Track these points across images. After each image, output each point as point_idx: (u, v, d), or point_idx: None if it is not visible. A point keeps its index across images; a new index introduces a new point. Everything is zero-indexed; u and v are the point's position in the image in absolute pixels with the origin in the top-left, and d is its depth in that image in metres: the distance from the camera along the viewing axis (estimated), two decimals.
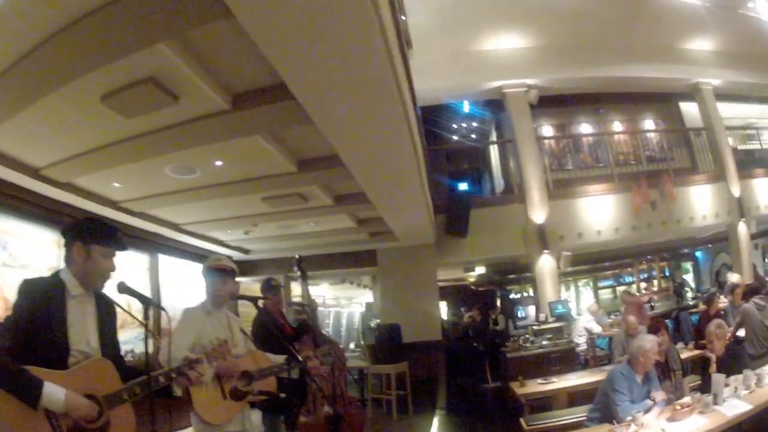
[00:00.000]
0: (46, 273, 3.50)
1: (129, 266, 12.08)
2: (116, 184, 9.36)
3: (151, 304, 3.50)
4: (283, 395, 5.74)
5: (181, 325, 4.88)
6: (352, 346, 19.98)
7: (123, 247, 3.65)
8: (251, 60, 5.43)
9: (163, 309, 3.83)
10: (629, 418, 5.32)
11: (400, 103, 6.11)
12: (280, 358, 5.47)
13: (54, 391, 3.00)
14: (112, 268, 3.55)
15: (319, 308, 22.10)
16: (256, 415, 5.39)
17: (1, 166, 7.93)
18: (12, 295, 8.77)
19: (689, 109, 17.98)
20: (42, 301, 3.24)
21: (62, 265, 3.53)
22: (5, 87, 5.73)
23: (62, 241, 3.56)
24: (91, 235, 3.47)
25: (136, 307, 3.60)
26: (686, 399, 5.66)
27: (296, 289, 12.59)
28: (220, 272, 5.17)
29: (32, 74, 5.49)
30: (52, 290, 3.33)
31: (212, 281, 5.14)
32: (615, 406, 5.70)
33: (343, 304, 26.38)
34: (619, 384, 5.83)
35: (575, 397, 8.08)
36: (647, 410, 5.66)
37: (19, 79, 5.57)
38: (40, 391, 2.94)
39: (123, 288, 3.49)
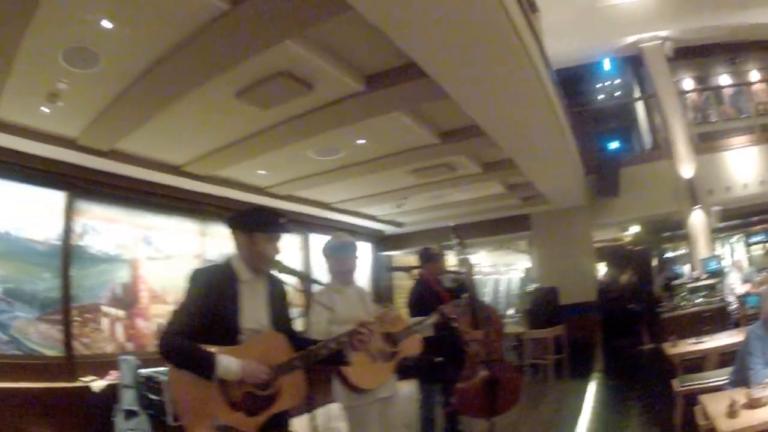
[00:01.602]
0: (188, 264, 3.62)
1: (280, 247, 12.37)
2: (261, 172, 9.70)
3: (309, 280, 3.55)
4: (439, 359, 5.77)
5: (313, 313, 4.92)
6: (511, 312, 19.85)
7: (285, 231, 3.71)
8: (380, 43, 5.45)
9: (321, 283, 3.88)
10: (766, 380, 5.03)
11: (532, 69, 6.06)
12: (418, 318, 5.49)
13: (228, 361, 3.17)
14: (276, 252, 3.63)
15: (476, 276, 22.11)
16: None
17: (143, 168, 8.40)
18: (158, 286, 9.24)
19: None
20: (213, 286, 3.39)
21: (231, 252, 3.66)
22: (141, 92, 6.08)
23: (228, 231, 3.67)
24: (253, 224, 3.58)
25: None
26: None
27: (451, 259, 12.64)
28: (345, 248, 5.13)
29: (166, 79, 5.82)
30: (223, 275, 3.49)
31: (337, 259, 5.08)
32: (748, 369, 5.40)
33: (501, 271, 26.23)
34: (752, 345, 5.49)
35: (726, 357, 7.76)
36: None
37: (154, 85, 5.92)
38: (214, 362, 3.13)
39: (281, 267, 3.58)
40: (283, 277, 3.65)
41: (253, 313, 3.49)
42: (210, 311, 3.30)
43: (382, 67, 6.43)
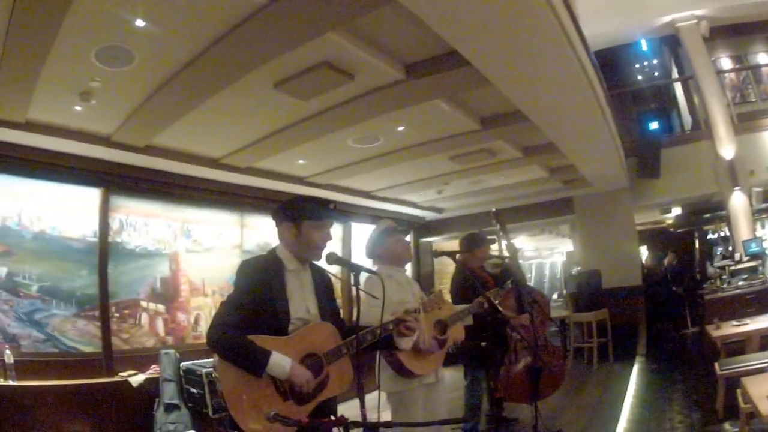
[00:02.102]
0: (227, 255, 3.66)
1: None
2: (301, 161, 9.75)
3: (360, 270, 3.60)
4: (484, 344, 5.80)
5: (366, 299, 4.95)
6: (555, 296, 19.80)
7: (334, 218, 3.75)
8: (420, 32, 5.48)
9: (375, 273, 3.90)
10: None
11: (571, 52, 6.02)
12: (464, 306, 5.54)
13: (279, 361, 3.20)
14: (327, 238, 3.67)
15: (520, 260, 22.07)
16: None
17: (180, 162, 8.52)
18: (197, 279, 9.34)
19: None
20: (262, 276, 3.42)
21: (275, 243, 3.74)
22: (171, 93, 6.21)
23: (273, 222, 3.74)
24: (301, 212, 3.60)
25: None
26: None
27: (495, 244, 12.65)
28: (396, 233, 5.22)
29: (202, 75, 5.88)
30: (270, 266, 3.52)
31: (389, 244, 5.15)
32: None
33: (544, 255, 26.18)
34: None
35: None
36: None
37: (190, 81, 6.00)
38: (267, 360, 3.17)
39: (333, 258, 3.57)
40: (334, 267, 3.66)
41: (302, 302, 3.54)
42: (259, 302, 3.35)
43: (422, 56, 6.42)
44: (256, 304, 3.33)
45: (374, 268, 5.12)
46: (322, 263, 3.67)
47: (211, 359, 7.44)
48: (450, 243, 17.01)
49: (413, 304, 4.76)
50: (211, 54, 5.45)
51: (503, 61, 5.90)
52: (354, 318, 4.52)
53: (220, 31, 5.16)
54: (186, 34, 5.21)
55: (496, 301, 5.84)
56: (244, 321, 3.26)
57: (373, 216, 13.43)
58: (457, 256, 6.35)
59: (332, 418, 3.35)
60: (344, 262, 3.58)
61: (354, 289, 3.45)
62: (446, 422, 3.17)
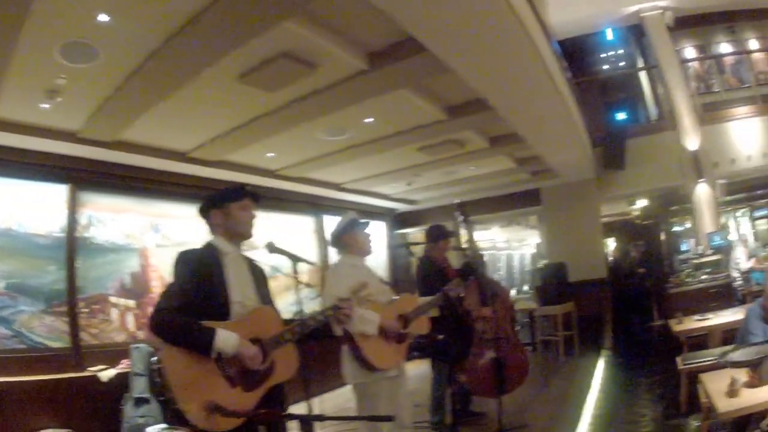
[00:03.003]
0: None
1: (293, 230, 12.65)
2: (270, 154, 9.78)
3: (300, 261, 3.66)
4: (441, 337, 5.86)
5: (333, 278, 5.02)
6: (525, 288, 19.92)
7: (254, 197, 3.81)
8: (378, 19, 5.44)
9: (312, 263, 3.96)
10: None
11: (528, 40, 6.07)
12: (428, 298, 5.60)
13: (227, 335, 3.24)
14: (252, 216, 3.75)
15: (491, 251, 22.10)
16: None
17: (149, 156, 8.54)
18: (168, 274, 9.40)
19: None
20: (200, 263, 3.48)
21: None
22: (141, 83, 6.17)
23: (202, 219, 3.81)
24: (222, 198, 3.71)
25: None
26: None
27: (465, 235, 12.69)
28: (363, 224, 5.25)
29: (167, 67, 5.89)
30: (207, 253, 3.59)
31: (356, 235, 5.19)
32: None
33: (514, 247, 26.25)
34: (752, 324, 5.51)
35: (730, 335, 7.78)
36: None
37: (155, 73, 6.01)
38: (212, 336, 3.19)
39: (272, 248, 3.66)
40: (274, 257, 3.74)
41: (240, 287, 3.59)
42: (200, 287, 3.39)
43: (384, 44, 6.46)
44: (196, 290, 3.36)
45: (338, 258, 5.24)
46: (263, 253, 3.79)
47: None
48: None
49: (384, 296, 4.95)
50: (173, 46, 5.45)
51: (460, 47, 5.93)
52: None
53: (181, 23, 5.17)
54: (149, 27, 5.21)
55: (461, 293, 5.94)
56: (186, 306, 3.28)
57: (345, 208, 13.40)
58: (422, 247, 6.40)
59: (283, 408, 3.54)
60: (284, 251, 3.65)
61: (295, 279, 3.52)
62: (372, 419, 3.22)
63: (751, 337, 5.43)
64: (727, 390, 4.55)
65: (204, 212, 3.78)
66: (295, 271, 3.57)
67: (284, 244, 3.73)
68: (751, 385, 4.61)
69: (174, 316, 3.23)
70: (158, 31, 5.31)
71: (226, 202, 3.69)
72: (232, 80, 6.55)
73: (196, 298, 3.34)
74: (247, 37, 5.45)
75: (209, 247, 3.65)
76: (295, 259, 3.61)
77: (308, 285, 3.95)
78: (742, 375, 4.70)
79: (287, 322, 3.69)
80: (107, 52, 5.53)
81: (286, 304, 3.74)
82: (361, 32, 6.15)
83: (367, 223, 5.26)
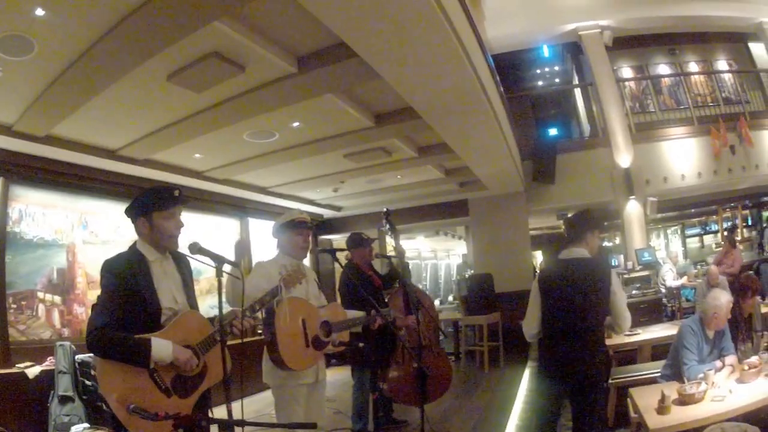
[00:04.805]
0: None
1: (219, 232, 12.51)
2: (197, 155, 9.68)
3: (224, 262, 3.53)
4: (361, 344, 5.76)
5: (254, 276, 4.91)
6: (450, 298, 19.99)
7: (181, 203, 3.69)
8: (309, 23, 5.36)
9: (236, 265, 3.87)
10: (701, 375, 5.05)
11: (462, 51, 6.01)
12: (359, 313, 5.49)
13: (162, 344, 3.19)
14: (179, 226, 3.65)
15: (416, 261, 22.16)
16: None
17: (79, 153, 8.37)
18: (94, 271, 9.18)
19: (759, 51, 17.07)
20: (126, 272, 3.37)
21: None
22: (70, 82, 6.07)
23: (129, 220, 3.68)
24: (147, 206, 3.57)
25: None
26: (753, 359, 5.31)
27: (390, 243, 12.70)
28: (297, 226, 5.13)
29: (94, 67, 5.78)
30: (133, 260, 3.47)
31: (289, 236, 5.10)
32: (682, 364, 5.46)
33: (440, 257, 26.41)
34: (687, 340, 5.54)
35: (659, 350, 7.86)
36: (716, 371, 5.23)
37: (82, 73, 5.88)
38: (149, 348, 3.14)
39: (196, 248, 3.52)
40: (197, 257, 3.58)
41: (168, 291, 3.53)
42: (129, 297, 3.30)
43: (313, 47, 6.40)
44: (125, 300, 3.28)
45: (275, 254, 5.19)
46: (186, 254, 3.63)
47: None
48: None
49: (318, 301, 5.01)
50: (106, 43, 5.32)
51: (391, 54, 5.83)
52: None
53: (116, 19, 5.05)
54: (84, 22, 5.09)
55: (391, 319, 5.87)
56: (118, 320, 3.21)
57: (272, 212, 13.34)
58: (338, 253, 6.31)
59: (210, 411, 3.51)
60: (207, 252, 3.51)
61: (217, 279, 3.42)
62: (295, 426, 3.12)
63: (685, 352, 5.44)
64: (657, 406, 4.56)
65: (130, 217, 3.66)
66: (219, 273, 3.42)
67: (208, 245, 3.58)
68: (681, 402, 4.65)
69: (108, 334, 3.18)
70: (93, 27, 5.20)
71: (150, 212, 3.57)
72: (162, 79, 6.45)
73: (126, 311, 3.27)
74: (178, 36, 5.35)
75: (135, 254, 3.55)
76: (219, 260, 3.47)
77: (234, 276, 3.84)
78: (673, 391, 4.72)
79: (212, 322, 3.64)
80: (42, 45, 5.41)
81: (210, 306, 3.60)
82: (291, 35, 6.09)
83: (305, 224, 5.13)
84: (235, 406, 3.31)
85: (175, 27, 5.17)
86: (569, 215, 5.60)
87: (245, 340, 3.62)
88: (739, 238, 16.71)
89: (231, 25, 5.47)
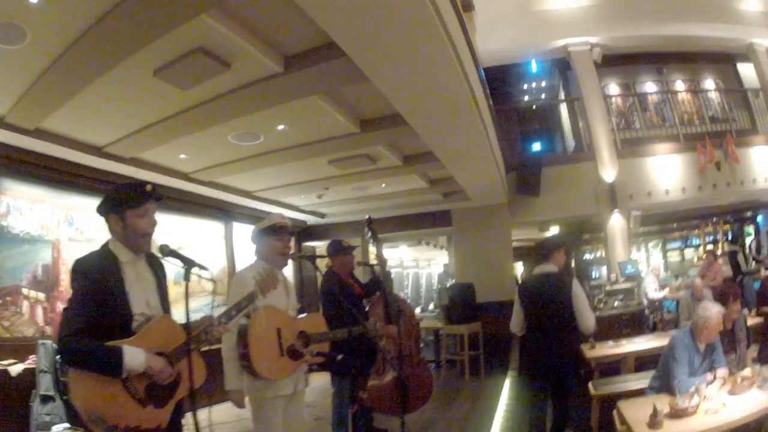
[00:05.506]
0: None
1: (203, 235, 12.50)
2: (182, 156, 9.64)
3: (193, 265, 3.48)
4: (339, 357, 5.72)
5: (234, 289, 4.78)
6: (431, 307, 19.99)
7: (155, 199, 3.58)
8: (298, 20, 5.34)
9: (206, 268, 3.79)
10: (692, 389, 5.03)
11: (457, 63, 5.99)
12: (340, 331, 5.42)
13: (134, 352, 3.08)
14: (152, 224, 3.53)
15: (398, 269, 22.14)
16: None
17: (65, 147, 8.26)
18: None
19: (747, 71, 17.41)
20: (98, 274, 3.26)
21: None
22: (59, 74, 6.03)
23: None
24: (120, 203, 3.46)
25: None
26: (746, 371, 5.31)
27: (372, 251, 12.75)
28: (277, 231, 5.01)
29: (82, 59, 5.75)
30: (105, 262, 3.36)
31: (269, 241, 4.98)
32: (672, 377, 5.40)
33: (422, 266, 26.44)
34: (678, 353, 5.53)
35: (643, 361, 7.88)
36: (707, 384, 5.21)
37: (71, 65, 5.85)
38: (121, 358, 3.02)
39: (166, 251, 3.45)
40: (168, 260, 3.52)
41: (141, 295, 3.42)
42: (100, 301, 3.18)
43: (301, 47, 6.35)
44: (97, 305, 3.17)
45: (253, 260, 5.08)
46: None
47: None
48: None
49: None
50: (96, 33, 5.27)
51: (383, 58, 5.75)
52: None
53: (107, 9, 4.99)
54: (79, 10, 5.03)
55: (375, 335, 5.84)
56: (88, 327, 3.10)
57: (255, 217, 13.28)
58: (317, 260, 6.25)
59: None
60: (177, 254, 3.45)
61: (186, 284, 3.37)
62: None
63: (676, 365, 5.42)
64: (648, 420, 4.49)
65: (102, 214, 3.56)
66: (187, 277, 3.36)
67: (178, 248, 3.52)
68: (673, 415, 4.58)
69: (79, 342, 3.06)
70: (87, 15, 5.13)
71: (122, 210, 3.46)
72: (148, 75, 6.39)
73: (97, 316, 3.15)
74: (165, 29, 5.31)
75: (106, 253, 3.43)
76: (189, 263, 3.41)
77: (213, 292, 3.75)
78: (665, 405, 4.66)
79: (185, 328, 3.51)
80: (35, 34, 5.37)
81: (185, 311, 3.54)
82: (280, 33, 6.03)
83: (285, 230, 5.05)
84: (203, 414, 3.28)
85: (162, 19, 5.12)
86: (540, 240, 6.18)
87: (213, 347, 3.58)
88: (720, 252, 16.80)
89: (218, 19, 5.40)
